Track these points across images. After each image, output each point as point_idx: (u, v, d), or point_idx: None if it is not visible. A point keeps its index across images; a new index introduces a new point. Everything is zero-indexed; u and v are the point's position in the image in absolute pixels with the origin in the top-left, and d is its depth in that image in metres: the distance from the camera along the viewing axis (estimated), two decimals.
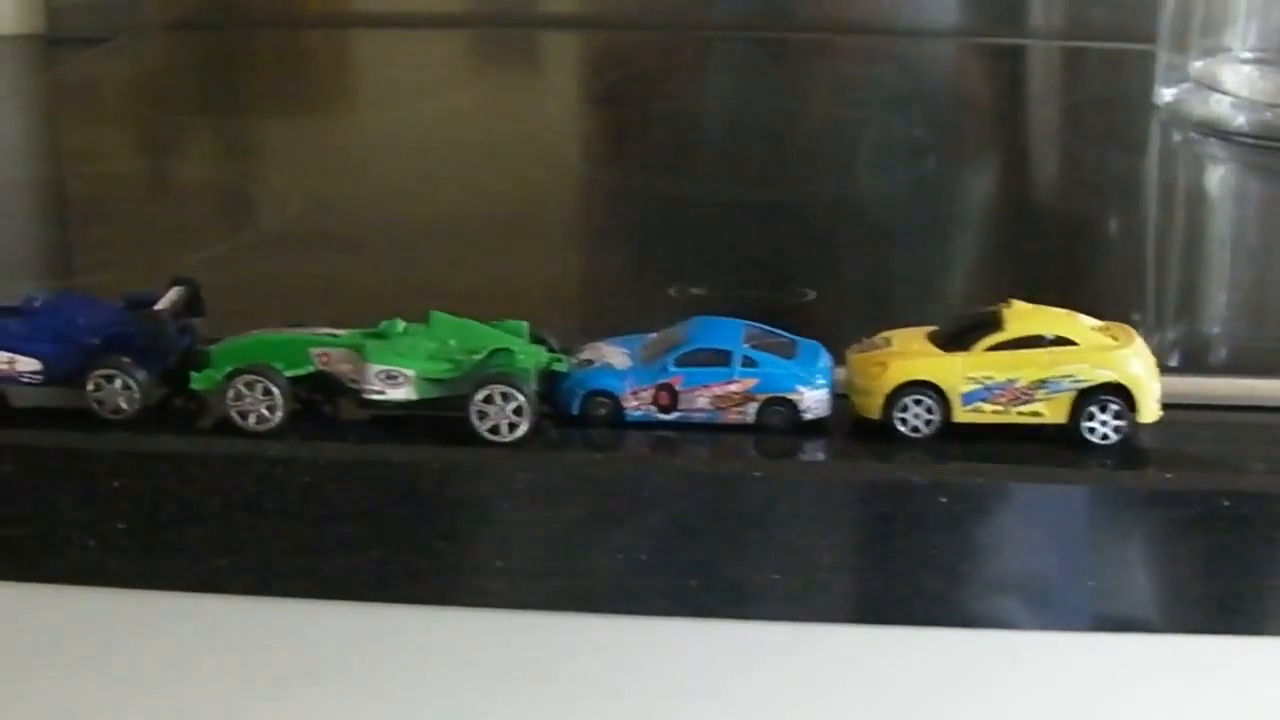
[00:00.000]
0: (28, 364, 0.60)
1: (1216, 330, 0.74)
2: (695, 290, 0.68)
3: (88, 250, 0.80)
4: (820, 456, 0.57)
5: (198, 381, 0.58)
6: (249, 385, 0.57)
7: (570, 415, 0.58)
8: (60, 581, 0.59)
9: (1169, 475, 0.55)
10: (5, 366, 0.60)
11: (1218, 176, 0.94)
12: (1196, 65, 0.96)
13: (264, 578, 0.57)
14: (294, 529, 0.57)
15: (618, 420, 0.58)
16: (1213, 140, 0.93)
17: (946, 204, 0.85)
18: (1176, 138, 0.96)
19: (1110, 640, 0.57)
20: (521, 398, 0.55)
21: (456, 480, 0.56)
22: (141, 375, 0.58)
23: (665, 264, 0.73)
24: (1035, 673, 0.58)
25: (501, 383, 0.55)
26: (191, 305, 0.61)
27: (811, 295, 0.68)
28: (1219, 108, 0.94)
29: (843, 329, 0.61)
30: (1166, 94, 0.96)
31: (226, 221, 0.84)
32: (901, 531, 0.55)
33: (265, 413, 0.57)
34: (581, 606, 0.56)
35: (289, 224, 0.82)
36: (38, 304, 0.61)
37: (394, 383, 0.57)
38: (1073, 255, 0.80)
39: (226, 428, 0.57)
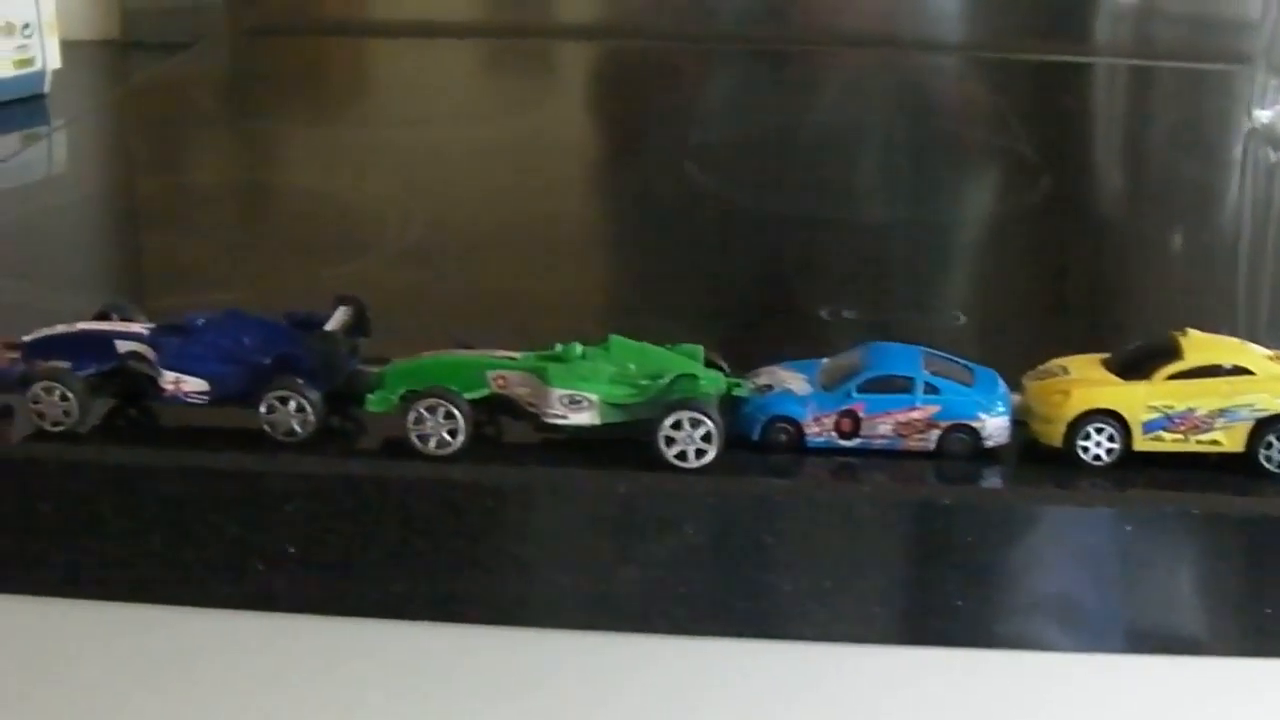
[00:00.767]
0: (194, 384, 0.59)
1: None
2: (846, 313, 0.68)
3: (202, 265, 0.79)
4: (1002, 484, 0.57)
5: (374, 404, 0.57)
6: (431, 408, 0.56)
7: (749, 441, 0.57)
8: (229, 606, 0.58)
9: None
10: (171, 386, 0.59)
11: None
12: None
13: (441, 603, 0.56)
14: (473, 553, 0.56)
15: (798, 446, 0.57)
16: None
17: (1062, 225, 0.85)
18: (1273, 157, 0.96)
19: None
20: (710, 424, 0.55)
21: (641, 505, 0.55)
22: (315, 397, 0.57)
23: (809, 285, 0.73)
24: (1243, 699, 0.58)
25: (691, 409, 0.55)
26: (358, 325, 0.61)
27: (962, 319, 0.67)
28: None
29: (994, 353, 0.61)
30: (1263, 115, 0.97)
31: (343, 235, 0.83)
32: (1086, 558, 0.55)
33: (447, 436, 0.56)
34: (765, 633, 0.56)
35: (403, 238, 0.81)
36: (200, 322, 0.60)
37: (577, 407, 0.56)
38: (1187, 276, 0.80)
39: (399, 450, 0.57)
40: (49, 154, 1.00)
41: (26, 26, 1.01)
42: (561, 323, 0.63)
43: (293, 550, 0.57)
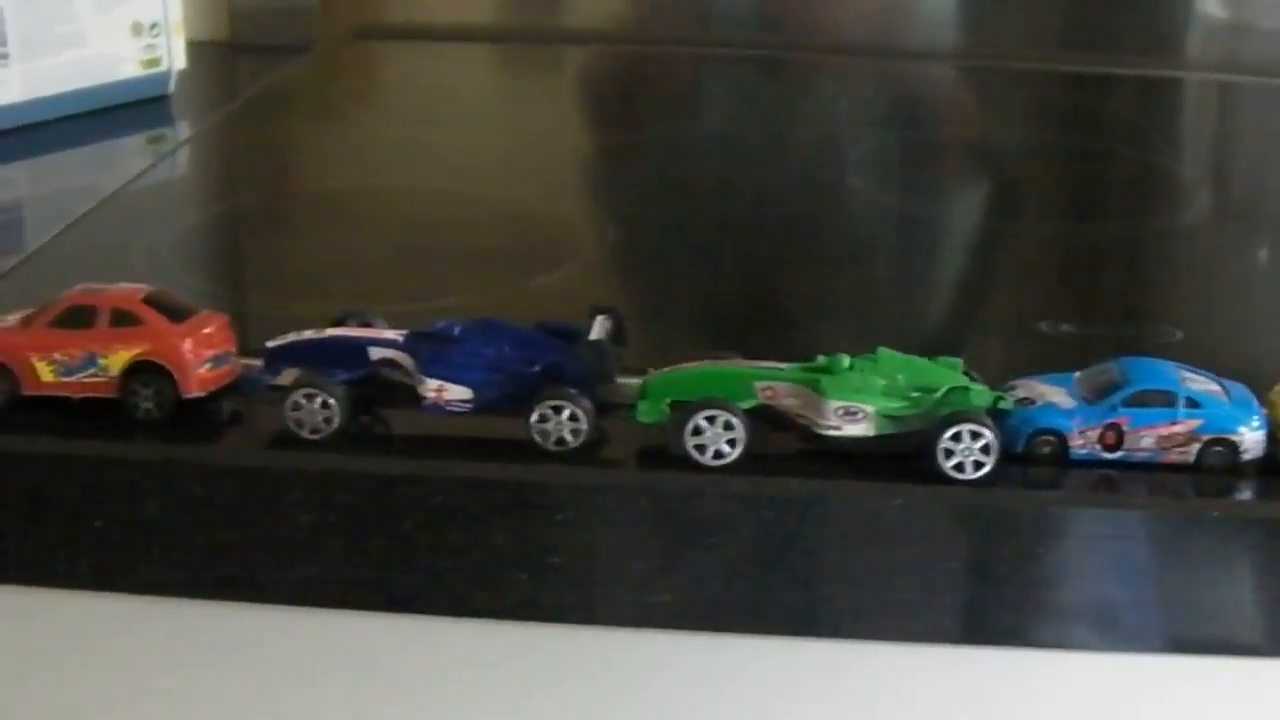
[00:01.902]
0: (458, 393, 0.58)
1: None
2: (1065, 326, 0.69)
3: (395, 272, 0.78)
4: (1263, 497, 0.58)
5: (642, 413, 0.58)
6: (710, 419, 0.56)
7: (1011, 453, 0.58)
8: (488, 616, 0.58)
9: None
10: (433, 395, 0.58)
11: None
12: None
13: (709, 613, 0.57)
14: (744, 564, 0.56)
15: (1061, 459, 0.58)
16: None
17: (1229, 241, 0.86)
18: None
19: None
20: (991, 436, 0.56)
21: (919, 517, 0.55)
22: (589, 406, 0.57)
23: (1019, 297, 0.73)
24: None
25: (971, 421, 0.55)
26: (617, 334, 0.61)
27: (1178, 335, 0.68)
28: None
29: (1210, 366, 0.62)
30: None
31: (527, 243, 0.82)
32: None
33: (725, 448, 0.56)
34: (1052, 644, 0.57)
35: (591, 246, 0.81)
36: (458, 330, 0.60)
37: (852, 419, 0.57)
38: None
39: (663, 459, 0.57)
40: (199, 159, 0.99)
41: (154, 26, 1.00)
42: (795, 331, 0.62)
43: (556, 560, 0.57)
